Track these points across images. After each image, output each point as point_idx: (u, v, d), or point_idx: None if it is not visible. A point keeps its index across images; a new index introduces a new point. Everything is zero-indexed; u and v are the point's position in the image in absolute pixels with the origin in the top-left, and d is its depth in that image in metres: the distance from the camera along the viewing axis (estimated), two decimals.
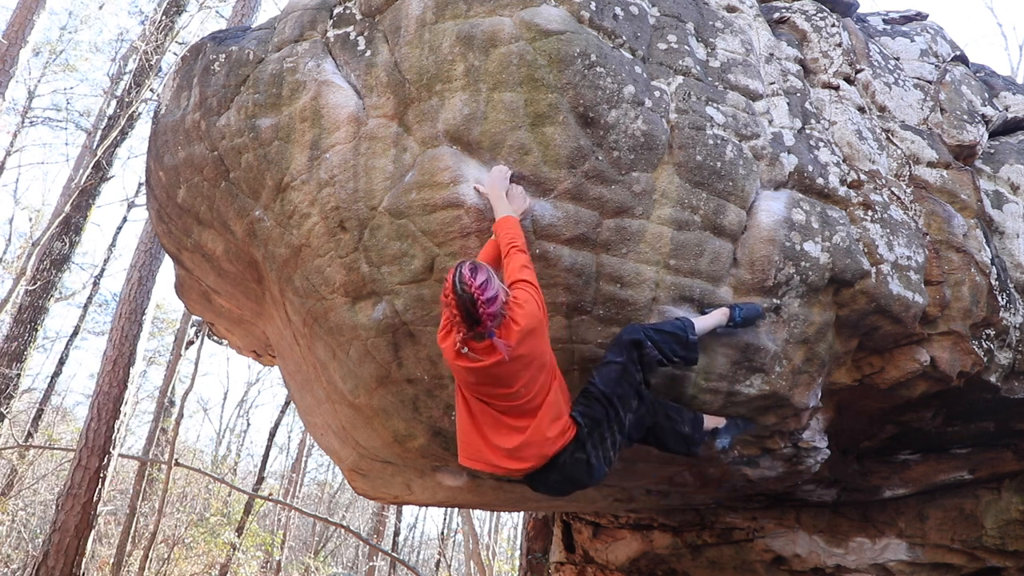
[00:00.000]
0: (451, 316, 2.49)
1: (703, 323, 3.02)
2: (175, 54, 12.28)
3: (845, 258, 3.31)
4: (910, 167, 3.81)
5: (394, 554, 13.89)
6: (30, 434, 14.15)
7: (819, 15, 3.99)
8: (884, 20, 4.63)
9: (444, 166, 2.89)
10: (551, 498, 4.44)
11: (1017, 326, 3.86)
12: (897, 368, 3.68)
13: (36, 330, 11.83)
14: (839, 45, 3.89)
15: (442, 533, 19.69)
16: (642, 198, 2.99)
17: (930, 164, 3.86)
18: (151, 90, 11.33)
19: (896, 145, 3.85)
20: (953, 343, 3.67)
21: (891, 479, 4.79)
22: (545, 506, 5.17)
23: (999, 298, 3.73)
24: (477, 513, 17.42)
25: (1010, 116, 4.49)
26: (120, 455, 9.25)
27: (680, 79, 3.21)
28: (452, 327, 2.54)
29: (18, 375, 11.29)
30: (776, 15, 3.96)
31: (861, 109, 3.83)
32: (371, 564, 18.70)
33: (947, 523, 4.79)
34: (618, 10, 3.15)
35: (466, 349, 2.50)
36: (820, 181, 3.41)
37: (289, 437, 24.66)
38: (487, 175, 2.84)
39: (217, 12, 12.96)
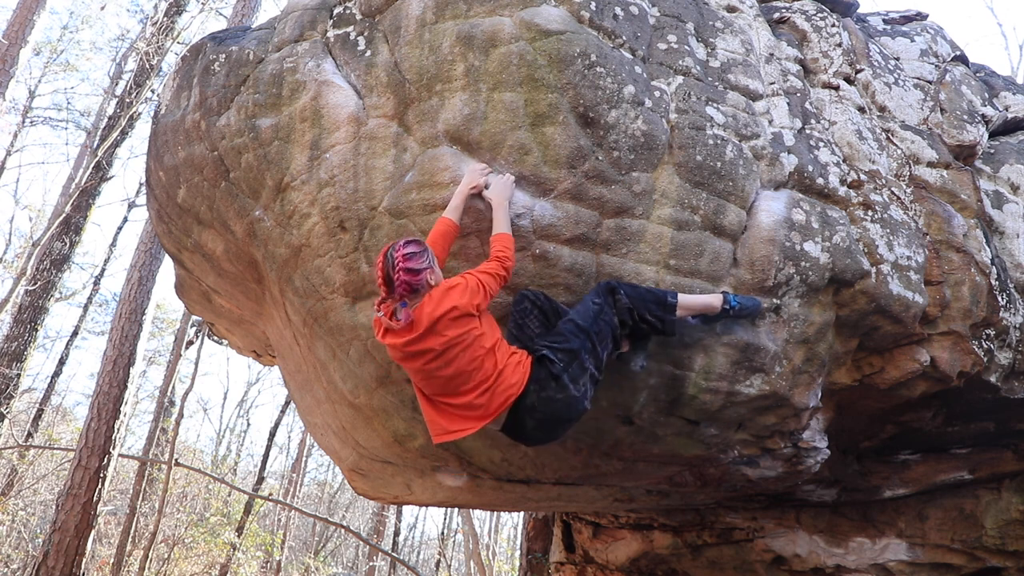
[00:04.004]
0: (377, 283, 2.60)
1: (691, 298, 2.99)
2: (176, 54, 12.28)
3: (845, 258, 3.31)
4: (910, 167, 3.81)
5: (394, 554, 13.89)
6: (30, 434, 14.14)
7: (819, 15, 3.99)
8: (884, 20, 4.63)
9: (444, 166, 2.89)
10: (556, 495, 4.43)
11: (1017, 326, 3.86)
12: (897, 368, 3.68)
13: (36, 330, 11.83)
14: (839, 45, 3.89)
15: (442, 533, 19.69)
16: (642, 198, 2.99)
17: (930, 164, 3.86)
18: (151, 90, 11.33)
19: (896, 145, 3.85)
20: (953, 343, 3.67)
21: (891, 479, 4.79)
22: (545, 506, 5.17)
23: (999, 298, 3.73)
24: (477, 513, 17.43)
25: (1010, 116, 4.50)
26: (120, 455, 9.24)
27: (680, 79, 3.21)
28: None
29: (18, 375, 11.29)
30: (776, 15, 3.97)
31: (861, 109, 3.83)
32: (371, 564, 18.71)
33: (947, 523, 4.79)
34: (618, 10, 3.15)
35: (381, 313, 2.59)
36: (820, 181, 3.41)
37: (289, 437, 24.69)
38: (495, 182, 2.83)
39: (218, 12, 12.96)
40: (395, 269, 2.53)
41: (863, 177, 3.58)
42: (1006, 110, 4.50)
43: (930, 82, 4.20)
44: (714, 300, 3.04)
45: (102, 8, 16.08)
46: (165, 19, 11.79)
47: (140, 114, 12.12)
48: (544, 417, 2.69)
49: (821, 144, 3.52)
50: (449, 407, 2.68)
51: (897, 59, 4.31)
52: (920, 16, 4.68)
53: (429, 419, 2.75)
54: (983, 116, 4.23)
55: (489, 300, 2.65)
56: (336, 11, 3.31)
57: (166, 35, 11.67)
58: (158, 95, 5.36)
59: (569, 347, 2.68)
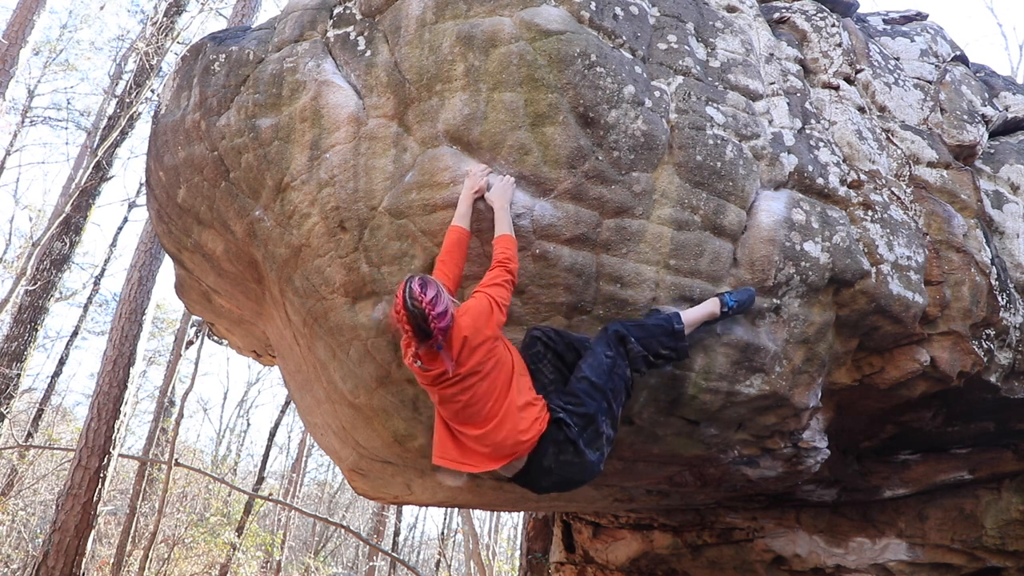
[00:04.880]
0: (403, 331, 2.52)
1: (692, 314, 2.99)
2: (176, 54, 12.28)
3: (845, 258, 3.31)
4: (910, 167, 3.81)
5: (394, 554, 13.89)
6: (30, 434, 14.14)
7: (819, 15, 3.99)
8: (884, 20, 4.63)
9: (444, 166, 2.89)
10: (555, 496, 4.43)
11: (1017, 326, 3.86)
12: (897, 368, 3.68)
13: (36, 330, 11.82)
14: (839, 45, 3.89)
15: (442, 533, 19.69)
16: (642, 198, 2.99)
17: (930, 164, 3.86)
18: (151, 90, 11.33)
19: (896, 145, 3.85)
20: (953, 343, 3.67)
21: (891, 479, 4.79)
22: (545, 506, 5.17)
23: (999, 298, 3.73)
24: (477, 513, 17.42)
25: (1010, 116, 4.50)
26: (120, 455, 9.24)
27: (680, 79, 3.21)
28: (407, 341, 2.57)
29: (18, 375, 11.29)
30: (776, 15, 3.96)
31: (861, 109, 3.83)
32: (371, 564, 18.71)
33: (947, 523, 4.79)
34: (618, 10, 3.15)
35: (419, 362, 2.55)
36: (820, 181, 3.41)
37: (289, 437, 24.68)
38: (496, 184, 2.83)
39: (218, 12, 12.95)
40: (428, 321, 2.44)
41: (863, 177, 3.58)
42: (1006, 110, 4.50)
43: (930, 82, 4.20)
44: (713, 307, 3.04)
45: (101, 8, 16.08)
46: (165, 19, 11.79)
47: (140, 114, 12.12)
48: (560, 480, 2.72)
49: (821, 144, 3.52)
50: (463, 436, 2.65)
51: (897, 59, 4.31)
52: (920, 16, 4.68)
53: (439, 439, 2.73)
54: (983, 116, 4.23)
55: (505, 311, 2.64)
56: (336, 11, 3.31)
57: (166, 35, 11.66)
58: (158, 95, 5.36)
59: (585, 411, 2.67)
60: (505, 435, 2.58)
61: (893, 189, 3.67)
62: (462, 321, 2.53)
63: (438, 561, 19.50)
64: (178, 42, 12.09)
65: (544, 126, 2.88)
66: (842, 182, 3.50)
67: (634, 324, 2.89)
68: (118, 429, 8.53)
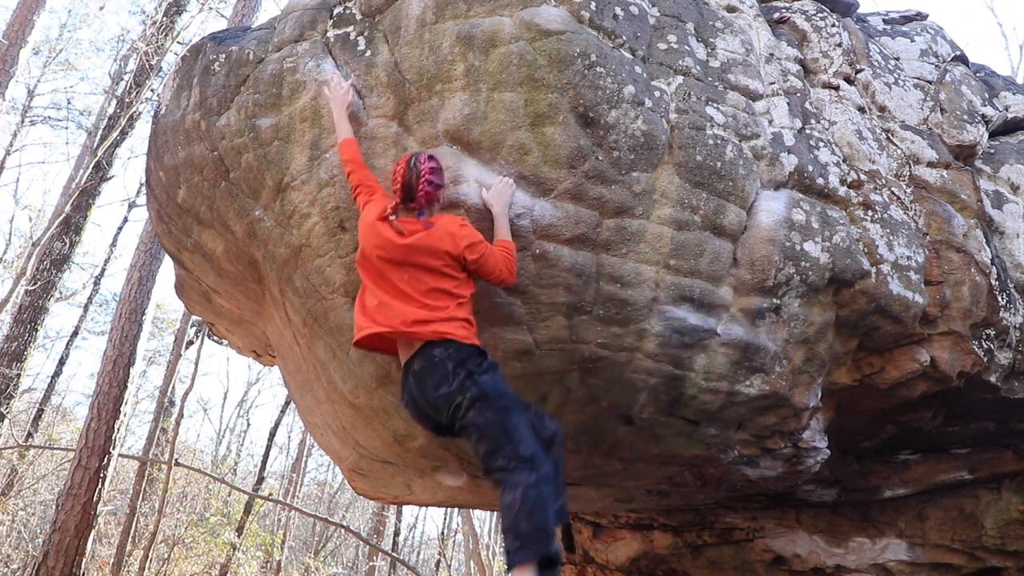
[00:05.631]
0: (393, 187, 2.71)
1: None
2: (175, 54, 12.28)
3: (845, 258, 3.31)
4: (910, 167, 3.81)
5: (394, 554, 13.89)
6: (30, 434, 14.15)
7: (819, 15, 3.99)
8: (884, 20, 4.63)
9: (444, 166, 2.89)
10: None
11: (1017, 326, 3.86)
12: (897, 368, 3.68)
13: (36, 330, 11.83)
14: (839, 45, 3.90)
15: (442, 533, 19.69)
16: (642, 198, 2.99)
17: (930, 164, 3.86)
18: (151, 90, 11.33)
19: (896, 145, 3.85)
20: (953, 343, 3.67)
21: (891, 479, 4.79)
22: None
23: (999, 298, 3.73)
24: (477, 513, 17.40)
25: (1010, 116, 4.50)
26: (120, 455, 9.24)
27: (680, 79, 3.21)
28: (383, 205, 2.70)
29: (18, 375, 11.29)
30: (776, 15, 3.97)
31: (861, 109, 3.83)
32: (371, 564, 18.71)
33: (947, 523, 4.79)
34: (618, 10, 3.15)
35: (394, 217, 2.65)
36: (820, 181, 3.41)
37: (289, 437, 24.69)
38: (495, 186, 2.84)
39: (218, 12, 12.96)
40: (420, 179, 2.63)
41: (863, 177, 3.58)
42: (1006, 110, 4.50)
43: (930, 82, 4.20)
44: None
45: (101, 8, 16.08)
46: (165, 19, 11.80)
47: (140, 114, 12.13)
48: (406, 396, 2.69)
49: (821, 144, 3.52)
50: (382, 305, 2.63)
51: (897, 59, 4.31)
52: (920, 16, 4.68)
53: (357, 316, 2.73)
54: (983, 116, 4.23)
55: (484, 259, 2.64)
56: (336, 11, 3.31)
57: (166, 35, 11.67)
58: (158, 95, 5.37)
59: (482, 392, 2.44)
60: (413, 317, 2.57)
61: (893, 189, 3.67)
62: (462, 233, 2.63)
63: (438, 561, 19.50)
64: (178, 42, 12.10)
65: (544, 126, 2.88)
66: (842, 182, 3.50)
67: (552, 486, 2.30)
68: (118, 429, 8.52)
